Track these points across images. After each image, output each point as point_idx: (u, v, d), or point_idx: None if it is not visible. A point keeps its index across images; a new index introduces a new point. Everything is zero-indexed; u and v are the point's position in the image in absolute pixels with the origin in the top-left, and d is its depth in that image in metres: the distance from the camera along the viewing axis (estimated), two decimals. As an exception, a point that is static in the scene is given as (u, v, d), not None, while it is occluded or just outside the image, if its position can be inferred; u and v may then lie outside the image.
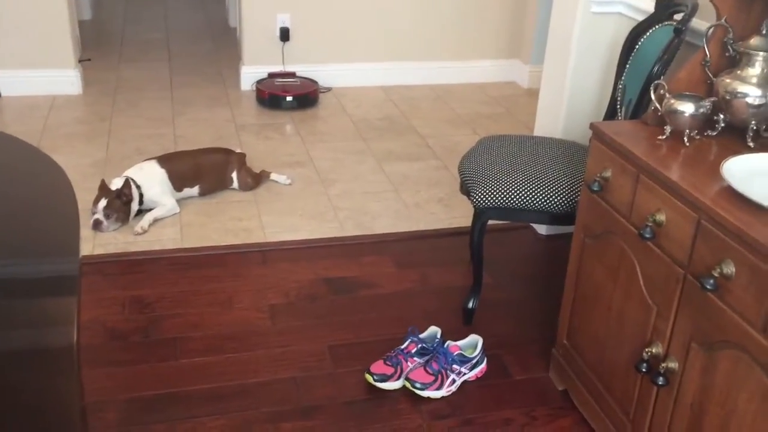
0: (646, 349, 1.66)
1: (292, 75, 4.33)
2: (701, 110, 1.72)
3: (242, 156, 3.25)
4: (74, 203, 1.26)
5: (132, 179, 2.91)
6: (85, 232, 2.75)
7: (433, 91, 4.50)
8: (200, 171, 3.11)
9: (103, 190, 2.83)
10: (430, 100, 4.38)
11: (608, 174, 1.78)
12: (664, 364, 1.60)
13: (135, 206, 2.90)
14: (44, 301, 1.09)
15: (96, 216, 2.79)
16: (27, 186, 1.38)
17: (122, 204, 2.83)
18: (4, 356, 0.97)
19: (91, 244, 2.73)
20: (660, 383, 1.60)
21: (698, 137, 1.76)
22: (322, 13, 4.32)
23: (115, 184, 2.87)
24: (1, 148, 1.43)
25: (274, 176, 3.28)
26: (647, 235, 1.61)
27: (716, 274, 1.42)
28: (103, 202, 2.79)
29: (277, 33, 4.28)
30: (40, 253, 1.16)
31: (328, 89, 4.39)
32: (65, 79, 4.10)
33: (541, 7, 4.36)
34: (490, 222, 2.30)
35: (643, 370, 1.65)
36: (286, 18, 4.27)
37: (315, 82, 4.29)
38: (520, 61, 4.68)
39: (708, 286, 1.43)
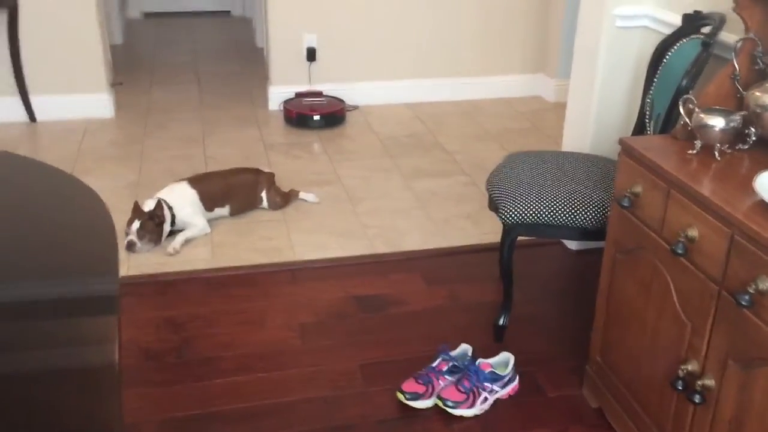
0: (682, 366, 1.64)
1: (319, 94, 4.37)
2: (732, 124, 1.71)
3: (271, 175, 3.29)
4: (111, 225, 1.29)
5: (164, 201, 2.96)
6: (119, 253, 2.79)
7: (459, 107, 4.51)
8: (230, 191, 3.15)
9: (136, 212, 2.88)
10: (457, 116, 4.39)
11: (638, 189, 1.77)
12: (700, 382, 1.58)
13: (167, 227, 2.94)
14: (85, 321, 1.11)
15: (130, 237, 2.83)
16: (64, 210, 1.41)
17: (155, 225, 2.88)
18: (46, 375, 0.99)
19: (126, 266, 2.77)
20: (696, 401, 1.58)
21: (729, 151, 1.74)
22: (347, 33, 4.37)
23: (148, 205, 2.92)
24: (37, 176, 1.47)
25: (302, 195, 3.31)
26: (679, 251, 1.60)
27: (752, 290, 1.40)
28: (136, 224, 2.84)
29: (304, 53, 4.34)
30: (80, 274, 1.18)
31: (355, 107, 4.42)
32: (98, 103, 4.19)
33: (567, 21, 4.36)
34: (520, 238, 2.29)
35: (679, 387, 1.63)
36: (313, 38, 4.32)
37: (342, 101, 4.33)
38: (546, 75, 4.68)
39: (743, 303, 1.41)
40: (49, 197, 1.45)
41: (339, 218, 3.17)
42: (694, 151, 1.74)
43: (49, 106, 4.10)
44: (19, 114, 4.07)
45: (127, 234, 2.84)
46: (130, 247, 2.84)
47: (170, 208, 2.96)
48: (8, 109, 4.04)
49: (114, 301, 1.14)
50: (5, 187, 1.39)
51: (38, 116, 4.10)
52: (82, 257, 1.26)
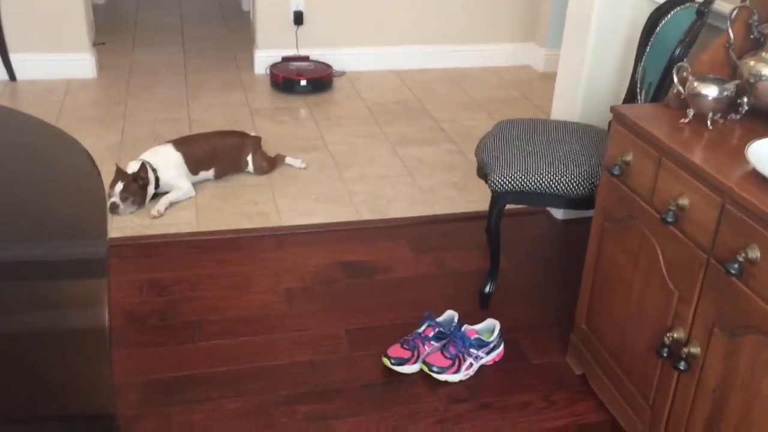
0: (668, 334, 1.65)
1: (306, 59, 4.31)
2: (725, 93, 1.70)
3: (257, 139, 3.24)
4: (100, 185, 1.27)
5: (148, 163, 2.91)
6: (102, 215, 2.76)
7: (447, 75, 4.47)
8: (216, 154, 3.11)
9: (120, 173, 2.83)
10: (445, 84, 4.35)
11: (629, 158, 1.76)
12: (686, 349, 1.59)
13: (151, 190, 2.90)
14: (74, 283, 1.09)
15: (113, 199, 2.79)
16: (52, 167, 1.38)
17: (139, 187, 2.84)
18: (33, 337, 0.97)
19: (109, 228, 2.74)
20: (681, 368, 1.59)
21: (722, 120, 1.73)
22: (336, -4, 4.30)
23: (132, 167, 2.88)
24: (24, 130, 1.43)
25: (288, 160, 3.28)
26: (670, 220, 1.60)
27: (741, 259, 1.41)
28: (119, 186, 2.80)
29: (291, 16, 4.26)
30: (68, 236, 1.16)
31: (342, 73, 4.37)
32: (80, 63, 4.10)
33: (558, -10, 4.31)
34: (506, 207, 2.28)
35: (665, 355, 1.65)
36: (300, 1, 4.25)
37: (329, 66, 4.28)
38: (536, 44, 4.64)
39: (732, 271, 1.42)
40: (36, 152, 1.42)
41: (325, 184, 3.15)
42: (687, 120, 1.73)
43: (29, 65, 4.01)
44: (-1, 72, 3.98)
45: (110, 196, 2.80)
46: (114, 209, 2.80)
47: (154, 171, 2.92)
48: (-13, 67, 3.95)
49: (103, 263, 1.12)
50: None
51: (18, 75, 4.01)
52: (70, 217, 1.23)
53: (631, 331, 1.84)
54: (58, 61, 4.05)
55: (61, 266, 1.12)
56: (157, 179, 2.92)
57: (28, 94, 3.90)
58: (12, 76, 4.00)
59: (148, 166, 2.89)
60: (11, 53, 3.96)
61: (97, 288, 1.06)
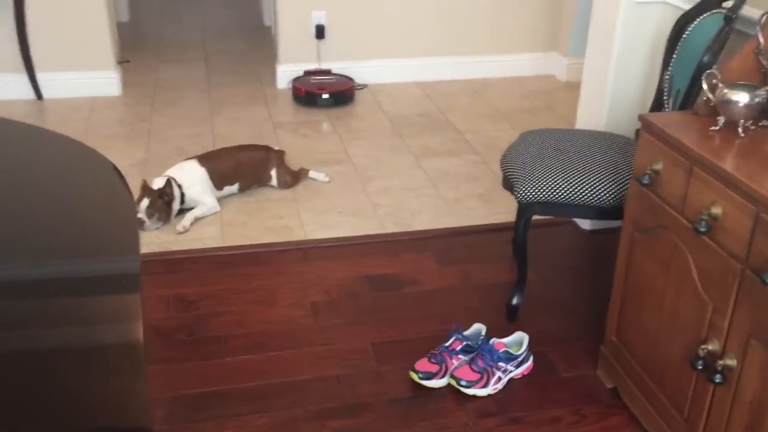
0: (702, 346, 1.62)
1: (328, 72, 4.33)
2: (756, 99, 1.67)
3: (281, 153, 3.25)
4: (130, 201, 1.27)
5: (173, 179, 2.93)
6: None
7: (469, 86, 4.46)
8: (240, 169, 3.12)
9: (145, 190, 2.85)
10: (467, 95, 4.34)
11: (659, 167, 1.73)
12: (721, 362, 1.56)
13: (177, 205, 2.92)
14: (110, 299, 1.09)
15: (138, 215, 2.81)
16: (83, 185, 1.38)
17: (164, 204, 2.86)
18: (67, 353, 0.97)
19: (135, 244, 2.75)
20: (717, 381, 1.56)
21: (753, 127, 1.70)
22: (356, 10, 4.31)
23: (157, 183, 2.90)
24: (53, 147, 1.44)
25: (312, 174, 3.28)
26: (702, 229, 1.57)
27: (778, 269, 1.38)
28: (145, 202, 2.82)
29: (313, 31, 4.28)
30: (102, 252, 1.16)
31: (364, 86, 4.37)
32: (105, 81, 4.15)
33: (579, -1, 4.29)
34: (532, 217, 2.26)
35: (699, 367, 1.61)
36: (322, 15, 4.27)
37: (351, 79, 4.29)
38: (559, 53, 4.62)
39: (769, 281, 1.39)
40: (66, 170, 1.42)
41: (349, 197, 3.14)
42: (717, 128, 1.70)
43: (55, 84, 4.07)
44: (26, 91, 4.04)
45: (135, 212, 2.82)
46: (139, 225, 2.82)
47: (179, 186, 2.93)
48: (15, 87, 4.01)
49: (137, 278, 1.12)
50: (22, 159, 1.36)
51: (45, 94, 4.07)
52: (102, 234, 1.23)
53: (663, 343, 1.80)
54: (83, 80, 4.11)
55: (95, 282, 1.12)
56: (182, 195, 2.93)
57: (55, 113, 3.95)
58: (39, 94, 4.06)
59: (173, 182, 2.91)
60: (38, 72, 4.02)
61: (132, 303, 1.06)
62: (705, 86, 1.75)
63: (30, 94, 4.05)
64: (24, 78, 4.00)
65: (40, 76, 4.03)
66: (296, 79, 4.25)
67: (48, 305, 1.03)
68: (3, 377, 0.86)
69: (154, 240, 2.81)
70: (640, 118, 1.81)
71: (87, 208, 1.26)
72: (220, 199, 3.06)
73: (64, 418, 0.87)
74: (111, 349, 1.00)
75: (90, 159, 1.38)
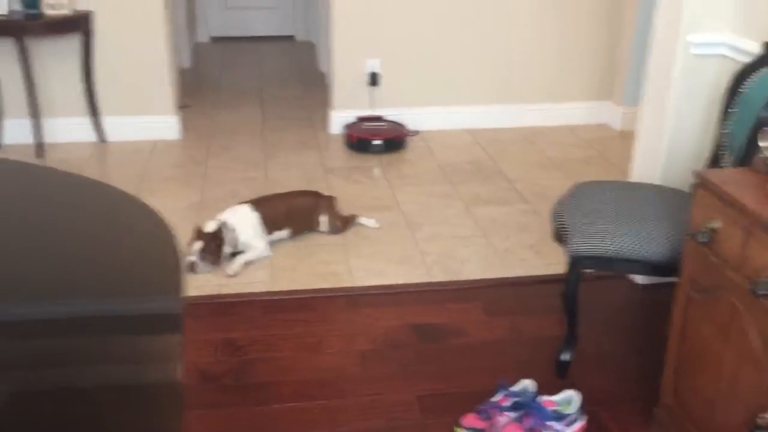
0: (761, 415, 1.54)
1: (380, 119, 4.38)
2: (819, 158, 1.61)
3: (331, 199, 3.29)
4: (174, 245, 1.29)
5: (225, 222, 2.98)
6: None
7: (521, 134, 4.45)
8: (291, 214, 3.16)
9: (198, 233, 2.91)
10: (519, 143, 4.33)
11: (716, 225, 1.69)
12: (783, 433, 1.48)
13: (228, 249, 2.96)
14: (149, 338, 1.10)
15: (191, 258, 2.86)
16: (128, 231, 1.42)
17: (216, 247, 2.90)
18: (107, 391, 0.98)
19: (185, 286, 2.80)
20: (779, 453, 1.48)
21: (816, 187, 1.65)
22: (410, 59, 4.37)
23: (210, 227, 2.95)
24: (97, 196, 1.49)
25: (362, 220, 3.30)
26: (761, 292, 1.51)
27: (844, 338, 1.31)
28: (198, 245, 2.87)
29: (367, 78, 4.36)
30: (143, 292, 1.18)
31: (416, 133, 4.41)
32: (165, 125, 4.29)
33: (636, 48, 4.26)
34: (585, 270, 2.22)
35: (759, 437, 1.54)
36: (376, 63, 4.34)
37: (402, 126, 4.33)
38: (613, 102, 4.58)
39: (834, 351, 1.32)
40: (108, 217, 1.46)
41: (397, 244, 3.15)
42: (778, 186, 1.65)
43: (119, 128, 4.22)
44: (91, 134, 4.20)
45: (188, 255, 2.87)
46: (192, 268, 2.87)
47: (232, 230, 2.98)
48: (80, 130, 4.18)
49: (178, 319, 1.13)
50: (71, 208, 1.41)
51: (108, 137, 4.22)
52: (146, 276, 1.25)
53: (722, 408, 1.73)
54: (145, 124, 4.25)
55: (138, 321, 1.14)
56: (235, 239, 2.98)
57: (116, 155, 4.09)
58: (102, 138, 4.21)
59: (225, 226, 2.96)
60: (102, 116, 4.18)
61: (173, 343, 1.07)
62: (762, 143, 1.71)
63: (94, 137, 4.21)
64: (89, 121, 4.17)
65: (105, 120, 4.19)
66: (349, 125, 4.31)
67: (87, 343, 1.04)
68: (47, 413, 0.87)
69: (205, 283, 2.85)
70: (697, 174, 1.77)
71: (132, 252, 1.28)
72: (270, 244, 3.09)
73: None
74: (150, 389, 1.01)
75: (135, 208, 1.42)
